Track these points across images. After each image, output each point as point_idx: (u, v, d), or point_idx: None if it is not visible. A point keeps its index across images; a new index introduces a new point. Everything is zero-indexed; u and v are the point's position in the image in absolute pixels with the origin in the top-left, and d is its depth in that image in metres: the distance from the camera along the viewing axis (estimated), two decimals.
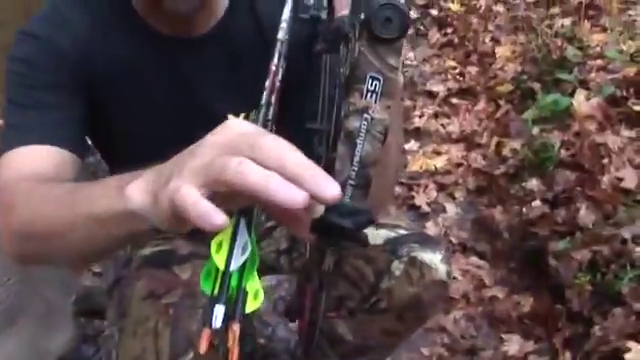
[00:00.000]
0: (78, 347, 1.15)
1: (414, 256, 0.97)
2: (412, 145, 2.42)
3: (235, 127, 0.43)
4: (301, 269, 0.61)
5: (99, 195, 0.55)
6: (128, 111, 0.89)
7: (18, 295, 1.02)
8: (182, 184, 0.41)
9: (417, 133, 2.49)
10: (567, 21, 2.56)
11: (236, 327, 0.44)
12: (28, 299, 1.03)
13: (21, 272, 1.03)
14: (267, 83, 0.59)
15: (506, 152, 2.12)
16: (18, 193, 0.70)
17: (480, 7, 3.42)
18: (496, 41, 2.95)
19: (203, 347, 0.43)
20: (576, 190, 1.68)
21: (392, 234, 0.99)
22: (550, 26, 2.56)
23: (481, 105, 2.56)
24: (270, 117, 0.57)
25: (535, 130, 1.99)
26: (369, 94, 0.48)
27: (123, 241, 0.61)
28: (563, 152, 1.83)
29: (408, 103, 2.69)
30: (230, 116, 0.43)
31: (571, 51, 2.18)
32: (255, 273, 0.46)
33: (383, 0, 0.45)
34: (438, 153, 2.35)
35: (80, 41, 0.85)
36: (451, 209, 2.06)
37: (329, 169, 0.48)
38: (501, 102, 2.46)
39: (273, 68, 0.59)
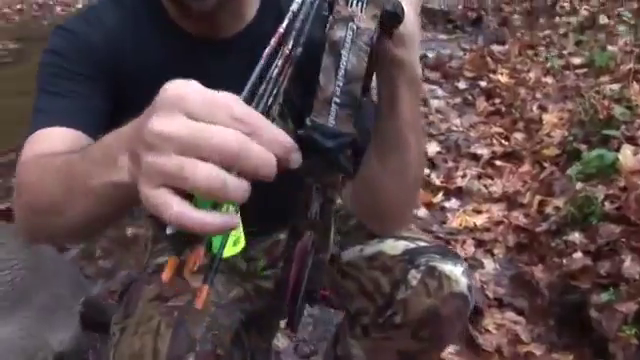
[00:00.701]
0: (79, 346, 1.12)
1: (433, 266, 0.89)
2: (452, 204, 2.37)
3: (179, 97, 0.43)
4: (289, 225, 0.58)
5: (92, 166, 0.55)
6: None
7: (24, 281, 1.02)
8: (149, 191, 0.42)
9: (459, 192, 2.44)
10: (615, 86, 2.52)
11: (201, 251, 0.45)
12: (35, 288, 1.03)
13: (32, 260, 1.04)
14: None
15: (549, 210, 2.04)
16: (29, 170, 0.72)
17: (529, 79, 3.43)
18: (543, 109, 2.92)
19: (167, 275, 0.45)
20: (620, 242, 1.58)
21: (412, 245, 0.93)
22: (598, 92, 2.52)
23: (525, 167, 2.51)
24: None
25: (579, 185, 1.91)
26: (355, 2, 0.47)
27: (120, 211, 0.61)
28: (607, 205, 1.74)
29: (451, 164, 2.67)
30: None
31: (618, 110, 2.13)
32: (240, 223, 0.46)
33: None
34: (479, 211, 2.28)
35: (111, 37, 0.87)
36: (489, 265, 1.97)
37: None
38: (546, 164, 2.40)
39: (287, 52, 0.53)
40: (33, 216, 0.70)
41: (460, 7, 6.13)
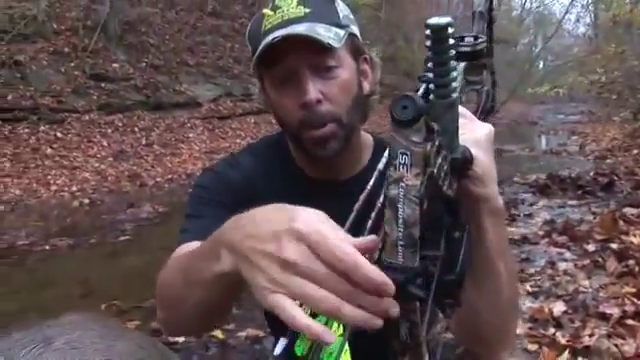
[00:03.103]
0: None
1: None
2: None
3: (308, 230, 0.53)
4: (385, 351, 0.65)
5: (201, 260, 0.67)
6: None
7: None
8: (273, 298, 0.52)
9: (586, 352, 2.36)
10: None
11: None
12: None
13: None
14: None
15: None
16: (164, 272, 0.85)
17: None
18: None
19: None
20: None
21: None
22: None
23: None
24: None
25: None
26: (401, 166, 0.56)
27: (228, 297, 0.70)
28: None
29: (578, 324, 2.60)
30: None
31: None
32: (347, 348, 0.60)
33: (402, 94, 0.55)
34: None
35: (247, 177, 1.05)
36: None
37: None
38: None
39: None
40: (165, 309, 0.84)
41: (591, 173, 6.13)
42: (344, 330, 0.54)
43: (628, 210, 4.29)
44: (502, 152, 9.47)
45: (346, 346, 0.56)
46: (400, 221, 0.55)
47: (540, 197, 5.57)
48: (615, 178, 5.70)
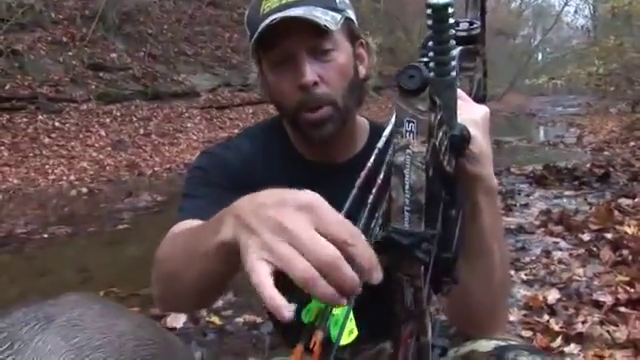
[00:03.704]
0: None
1: None
2: (572, 349, 2.32)
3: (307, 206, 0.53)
4: (389, 319, 0.66)
5: (206, 231, 0.67)
6: None
7: None
8: (254, 262, 0.52)
9: (579, 338, 2.39)
10: None
11: (320, 335, 0.55)
12: None
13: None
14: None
15: None
16: (162, 246, 0.86)
17: None
18: None
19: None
20: None
21: (502, 343, 0.99)
22: None
23: None
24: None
25: None
26: (407, 133, 0.57)
27: (228, 269, 0.69)
28: None
29: (571, 311, 2.64)
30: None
31: None
32: (352, 317, 0.59)
33: (409, 64, 0.57)
34: (601, 357, 2.22)
35: (245, 161, 1.05)
36: None
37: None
38: None
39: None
40: (162, 283, 0.84)
41: (588, 165, 6.16)
42: (348, 299, 0.56)
43: (623, 201, 4.32)
44: (500, 143, 9.50)
45: (351, 314, 0.57)
46: (407, 187, 0.57)
47: (537, 187, 5.59)
48: (611, 169, 5.72)
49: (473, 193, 0.78)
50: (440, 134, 0.62)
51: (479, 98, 0.91)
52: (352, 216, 0.62)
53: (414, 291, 0.61)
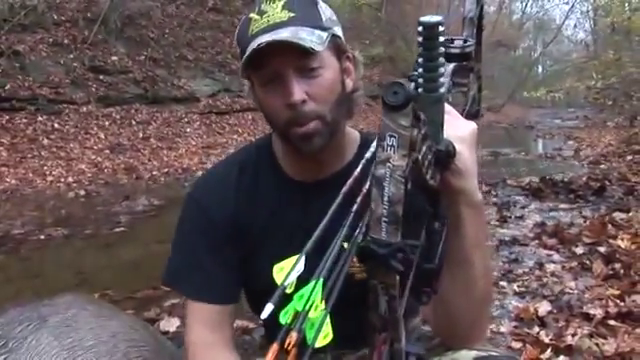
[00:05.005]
0: None
1: None
2: None
3: None
4: (365, 326, 0.67)
5: None
6: (269, 250, 1.11)
7: None
8: None
9: (568, 350, 2.41)
10: None
11: (294, 336, 0.58)
12: None
13: None
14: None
15: None
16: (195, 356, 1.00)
17: None
18: None
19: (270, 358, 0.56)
20: None
21: (483, 353, 1.00)
22: None
23: None
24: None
25: None
26: (388, 147, 0.59)
27: None
28: None
29: (562, 324, 2.66)
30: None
31: None
32: (328, 321, 0.63)
33: (393, 80, 0.59)
34: None
35: (230, 213, 1.10)
36: None
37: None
38: None
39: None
40: None
41: (584, 178, 6.19)
42: (326, 304, 0.58)
43: (617, 215, 4.35)
44: (497, 155, 9.52)
45: (327, 319, 0.60)
46: (385, 199, 0.59)
47: (532, 200, 5.61)
48: (607, 183, 5.75)
49: (456, 206, 0.81)
50: (424, 148, 0.64)
51: (472, 113, 0.94)
52: (335, 229, 0.65)
53: (388, 299, 0.63)
